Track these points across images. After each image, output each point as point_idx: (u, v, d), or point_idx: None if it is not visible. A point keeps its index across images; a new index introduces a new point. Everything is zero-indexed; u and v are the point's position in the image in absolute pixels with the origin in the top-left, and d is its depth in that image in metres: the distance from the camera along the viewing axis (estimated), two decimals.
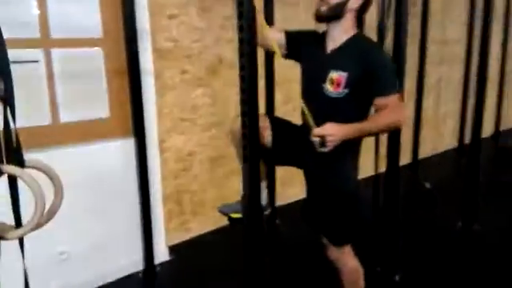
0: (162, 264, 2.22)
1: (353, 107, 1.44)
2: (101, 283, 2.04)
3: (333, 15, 1.43)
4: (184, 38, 2.33)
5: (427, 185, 3.03)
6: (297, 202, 2.80)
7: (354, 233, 1.58)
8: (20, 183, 0.94)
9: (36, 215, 0.94)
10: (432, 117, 4.17)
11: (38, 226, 0.97)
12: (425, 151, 3.98)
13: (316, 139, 1.32)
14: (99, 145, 1.97)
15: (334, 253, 1.55)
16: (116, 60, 1.98)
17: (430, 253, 2.31)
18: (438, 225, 2.67)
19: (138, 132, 2.04)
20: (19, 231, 0.96)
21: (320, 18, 1.46)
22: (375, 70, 1.38)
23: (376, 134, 1.46)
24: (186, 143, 2.44)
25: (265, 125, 1.52)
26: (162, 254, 2.26)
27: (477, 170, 2.52)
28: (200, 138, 2.48)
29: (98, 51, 1.93)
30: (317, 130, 1.33)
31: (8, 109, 0.93)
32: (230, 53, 2.50)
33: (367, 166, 2.75)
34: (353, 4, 1.43)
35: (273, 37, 1.56)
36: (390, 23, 1.95)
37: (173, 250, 2.33)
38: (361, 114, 1.44)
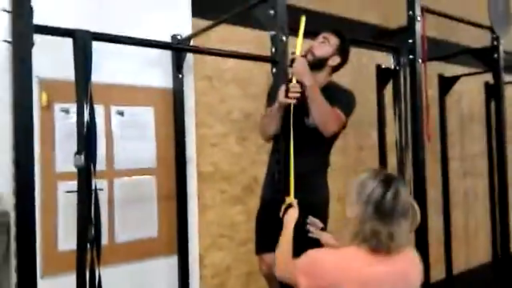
0: None
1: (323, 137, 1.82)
2: None
3: (315, 64, 1.90)
4: (223, 163, 2.64)
5: None
6: None
7: None
8: None
9: None
10: (462, 230, 4.19)
11: None
12: (458, 266, 3.93)
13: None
14: (147, 262, 2.16)
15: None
16: (166, 185, 2.26)
17: None
18: None
19: (182, 250, 2.24)
20: None
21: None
22: (338, 103, 1.81)
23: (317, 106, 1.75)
24: (224, 258, 2.59)
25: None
26: None
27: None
28: (237, 253, 2.63)
29: (151, 179, 2.22)
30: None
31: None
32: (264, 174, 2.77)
33: None
34: (331, 62, 1.96)
35: None
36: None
37: None
38: (326, 146, 1.95)
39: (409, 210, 1.17)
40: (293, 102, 1.64)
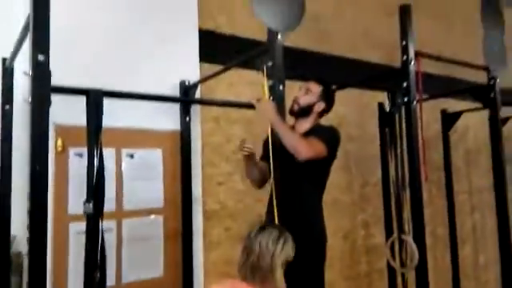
0: None
1: (311, 171, 1.94)
2: None
3: (301, 112, 2.09)
4: (229, 200, 2.71)
5: None
6: None
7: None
8: None
9: None
10: (472, 267, 4.14)
11: None
12: None
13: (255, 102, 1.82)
14: None
15: None
16: (172, 224, 2.34)
17: None
18: None
19: None
20: None
21: (292, 113, 2.09)
22: (317, 135, 1.94)
23: (284, 137, 1.79)
24: None
25: None
26: None
27: None
28: None
29: (158, 218, 2.31)
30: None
31: None
32: None
33: None
34: (317, 108, 2.11)
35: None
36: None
37: None
38: (319, 182, 2.03)
39: (253, 252, 1.44)
40: (245, 154, 1.99)
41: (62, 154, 2.07)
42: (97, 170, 1.27)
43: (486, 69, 2.65)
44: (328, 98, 2.15)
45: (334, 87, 2.27)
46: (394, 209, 2.29)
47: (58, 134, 2.06)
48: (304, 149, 1.79)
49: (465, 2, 4.52)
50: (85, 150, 2.07)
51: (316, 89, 2.12)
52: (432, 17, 4.18)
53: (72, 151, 2.09)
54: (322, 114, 2.16)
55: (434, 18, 4.21)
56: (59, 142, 2.05)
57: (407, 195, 2.15)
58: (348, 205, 3.34)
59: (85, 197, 1.98)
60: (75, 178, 2.06)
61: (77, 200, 2.04)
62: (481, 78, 3.51)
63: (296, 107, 2.11)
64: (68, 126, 2.04)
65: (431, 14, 4.17)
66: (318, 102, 2.12)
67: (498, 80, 2.64)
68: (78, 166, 2.09)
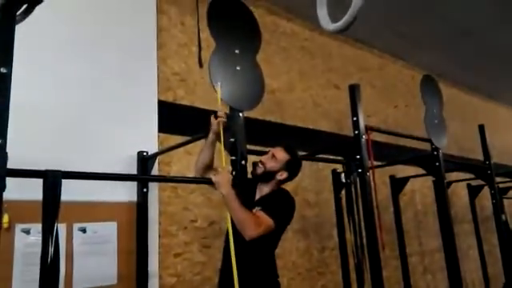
0: None
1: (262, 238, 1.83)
2: None
3: (264, 176, 2.04)
4: (186, 273, 2.61)
5: None
6: None
7: None
8: None
9: None
10: None
11: None
12: None
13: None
14: None
15: None
16: None
17: None
18: None
19: None
20: None
21: (255, 176, 2.05)
22: (267, 207, 1.89)
23: (232, 214, 1.78)
24: None
25: None
26: None
27: None
28: None
29: None
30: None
31: None
32: None
33: None
34: (279, 176, 2.05)
35: None
36: None
37: None
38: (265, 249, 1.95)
39: None
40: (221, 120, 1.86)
41: (8, 231, 1.94)
42: (52, 256, 1.19)
43: (429, 140, 2.85)
44: (292, 169, 2.09)
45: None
46: (353, 273, 2.30)
47: (4, 210, 1.93)
48: (250, 230, 1.76)
49: (405, 77, 4.97)
50: (33, 226, 1.99)
51: (282, 157, 2.06)
52: (376, 88, 4.52)
53: (19, 227, 1.96)
54: (283, 182, 2.10)
55: (378, 89, 4.55)
56: (5, 218, 1.92)
57: (367, 261, 2.17)
58: (308, 271, 3.32)
59: (30, 276, 1.88)
60: (21, 256, 1.93)
61: (21, 279, 1.90)
62: (423, 144, 3.79)
63: (259, 171, 2.04)
64: (15, 200, 1.91)
65: (375, 85, 4.52)
66: (282, 171, 2.05)
67: (441, 150, 2.84)
68: (23, 244, 1.96)
